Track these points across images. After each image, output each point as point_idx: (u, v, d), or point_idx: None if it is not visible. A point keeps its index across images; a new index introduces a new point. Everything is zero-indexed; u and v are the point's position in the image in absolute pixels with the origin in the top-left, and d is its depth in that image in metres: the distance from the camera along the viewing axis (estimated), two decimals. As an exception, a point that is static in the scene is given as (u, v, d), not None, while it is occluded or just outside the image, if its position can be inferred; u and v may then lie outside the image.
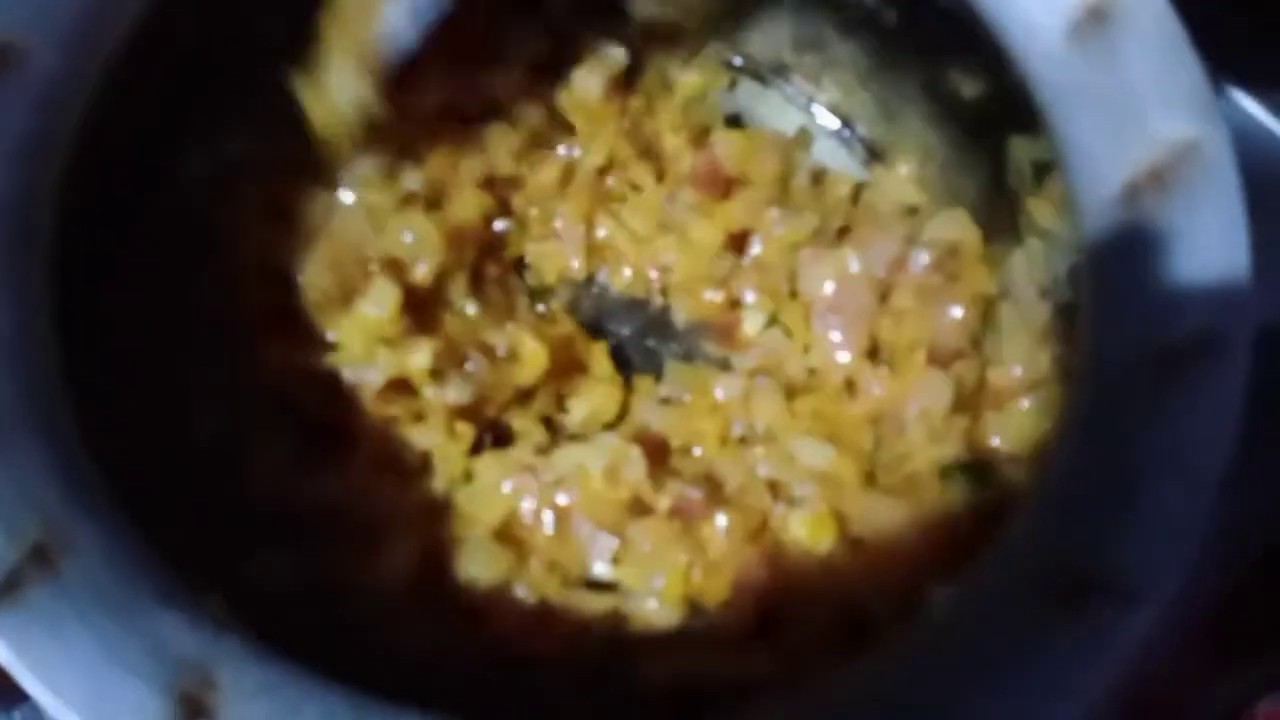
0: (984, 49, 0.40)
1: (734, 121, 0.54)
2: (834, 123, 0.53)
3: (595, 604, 0.43)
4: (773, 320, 0.50)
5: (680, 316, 0.51)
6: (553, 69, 0.51)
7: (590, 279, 0.52)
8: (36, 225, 0.34)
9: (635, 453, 0.44)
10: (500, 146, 0.49)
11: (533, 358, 0.47)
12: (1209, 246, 0.34)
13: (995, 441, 0.43)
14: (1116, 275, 0.35)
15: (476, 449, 0.46)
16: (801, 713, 0.29)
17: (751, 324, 0.50)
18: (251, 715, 0.29)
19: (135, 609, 0.30)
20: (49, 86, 0.35)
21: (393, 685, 0.31)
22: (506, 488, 0.44)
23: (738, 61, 0.54)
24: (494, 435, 0.47)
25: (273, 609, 0.33)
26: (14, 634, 0.29)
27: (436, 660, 0.40)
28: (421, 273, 0.45)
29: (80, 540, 0.31)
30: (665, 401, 0.49)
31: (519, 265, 0.51)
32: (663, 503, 0.44)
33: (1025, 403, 0.42)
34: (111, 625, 0.30)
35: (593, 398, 0.48)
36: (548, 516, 0.44)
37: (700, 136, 0.51)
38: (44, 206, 0.34)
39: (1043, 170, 0.42)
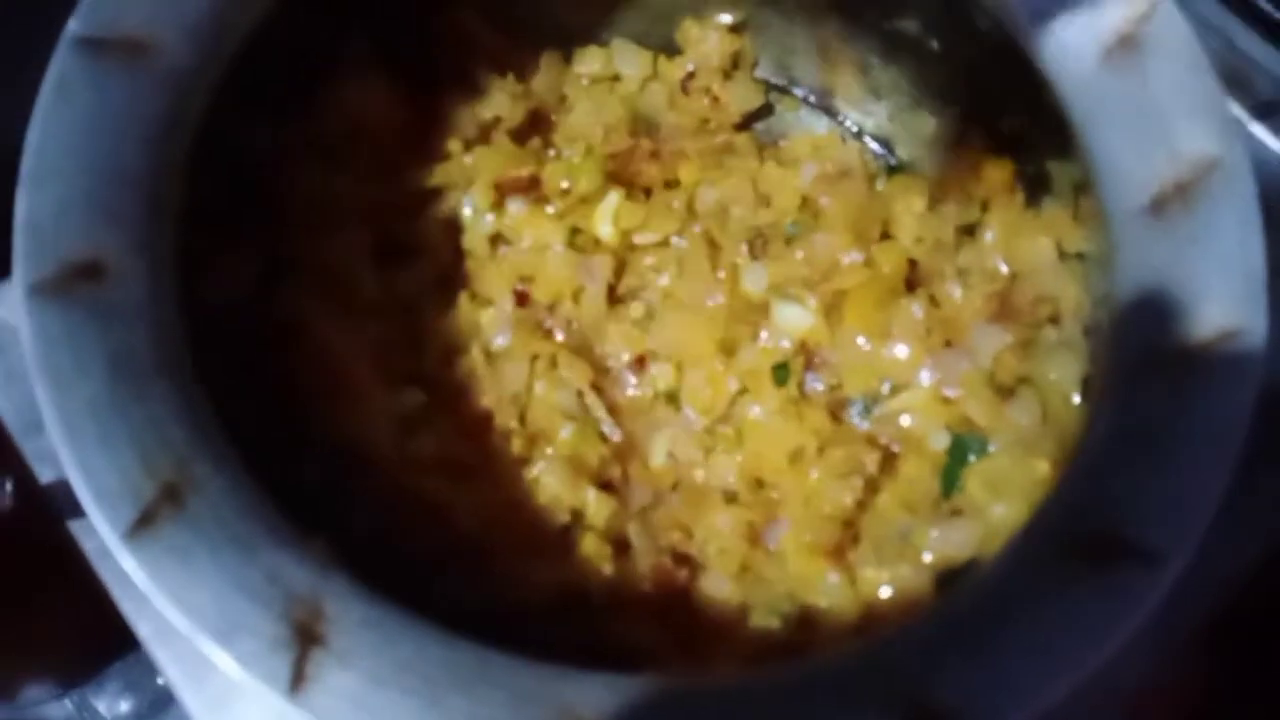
0: (1022, 75, 0.44)
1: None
2: (875, 146, 0.57)
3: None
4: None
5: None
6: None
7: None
8: (165, 198, 0.37)
9: None
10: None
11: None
12: (1229, 253, 0.37)
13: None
14: (1144, 280, 0.38)
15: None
16: (856, 650, 0.33)
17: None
18: (358, 644, 0.32)
19: (253, 545, 0.33)
20: (178, 75, 0.38)
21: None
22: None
23: (781, 83, 0.58)
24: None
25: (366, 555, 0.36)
26: (149, 562, 0.32)
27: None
28: None
29: (205, 480, 0.34)
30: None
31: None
32: None
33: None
34: (233, 558, 0.33)
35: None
36: None
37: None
38: (172, 181, 0.38)
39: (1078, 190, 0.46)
